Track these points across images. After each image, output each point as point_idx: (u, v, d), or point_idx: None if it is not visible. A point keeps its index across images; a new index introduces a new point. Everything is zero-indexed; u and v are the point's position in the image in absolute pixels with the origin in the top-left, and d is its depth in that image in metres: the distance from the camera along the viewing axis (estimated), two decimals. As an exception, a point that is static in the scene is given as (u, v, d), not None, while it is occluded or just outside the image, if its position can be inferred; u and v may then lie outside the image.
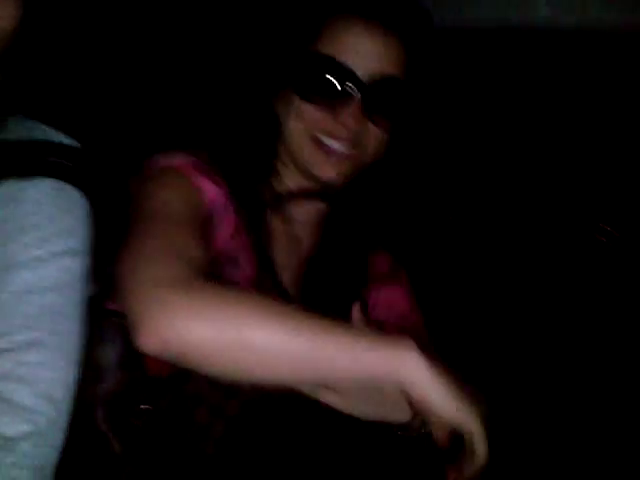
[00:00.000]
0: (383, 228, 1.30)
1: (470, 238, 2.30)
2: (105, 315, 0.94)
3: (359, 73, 1.11)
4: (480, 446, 0.88)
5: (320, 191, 1.21)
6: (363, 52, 1.11)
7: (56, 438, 0.81)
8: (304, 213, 1.24)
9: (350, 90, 1.11)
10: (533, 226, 2.33)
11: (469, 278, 2.27)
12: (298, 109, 1.14)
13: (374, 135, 1.16)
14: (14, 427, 0.77)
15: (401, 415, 0.94)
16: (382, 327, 1.24)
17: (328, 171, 1.15)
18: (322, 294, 1.22)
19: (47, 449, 0.80)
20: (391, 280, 1.32)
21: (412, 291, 1.33)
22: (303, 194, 1.22)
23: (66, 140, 0.93)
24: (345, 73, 1.11)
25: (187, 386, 0.99)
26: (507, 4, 1.49)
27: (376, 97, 1.13)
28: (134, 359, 0.94)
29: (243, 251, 1.14)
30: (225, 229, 1.13)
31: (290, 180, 1.22)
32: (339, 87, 1.11)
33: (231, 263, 1.12)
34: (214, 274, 1.01)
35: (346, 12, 1.12)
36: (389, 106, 1.15)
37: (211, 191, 1.11)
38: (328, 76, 1.11)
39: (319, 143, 1.14)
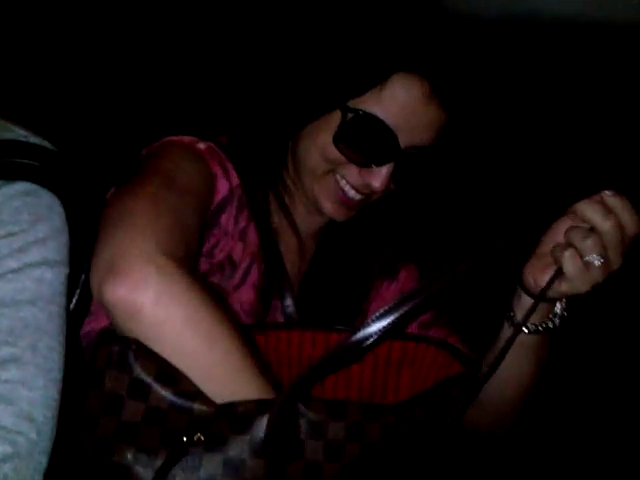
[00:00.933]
0: (385, 243, 1.26)
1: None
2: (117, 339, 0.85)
3: (401, 141, 1.05)
4: None
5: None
6: (414, 123, 1.05)
7: (38, 461, 0.76)
8: (310, 223, 1.20)
9: (385, 155, 1.06)
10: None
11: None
12: (325, 148, 1.07)
13: (389, 189, 1.11)
14: None
15: None
16: None
17: (336, 212, 1.12)
18: (317, 306, 1.17)
19: (29, 472, 0.75)
20: (395, 272, 1.28)
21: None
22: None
23: (38, 141, 0.87)
24: (388, 137, 1.04)
25: None
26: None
27: (407, 166, 1.08)
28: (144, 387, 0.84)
29: (248, 254, 1.10)
30: (232, 224, 1.08)
31: (297, 196, 1.17)
32: (376, 148, 1.06)
33: (225, 269, 1.08)
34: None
35: (413, 71, 1.04)
36: (414, 174, 1.10)
37: (224, 185, 1.06)
38: (369, 134, 1.05)
39: (335, 183, 1.09)
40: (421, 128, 1.05)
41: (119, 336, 0.84)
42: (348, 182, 1.09)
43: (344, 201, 1.11)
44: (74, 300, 0.87)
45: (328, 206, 1.11)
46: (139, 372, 0.82)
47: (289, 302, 1.13)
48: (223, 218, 1.07)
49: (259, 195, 1.13)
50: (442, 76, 1.04)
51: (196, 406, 0.82)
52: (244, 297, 1.09)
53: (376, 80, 1.03)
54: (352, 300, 1.21)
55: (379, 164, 1.07)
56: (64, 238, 0.84)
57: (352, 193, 1.10)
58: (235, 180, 1.09)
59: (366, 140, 1.05)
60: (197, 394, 0.83)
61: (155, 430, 0.81)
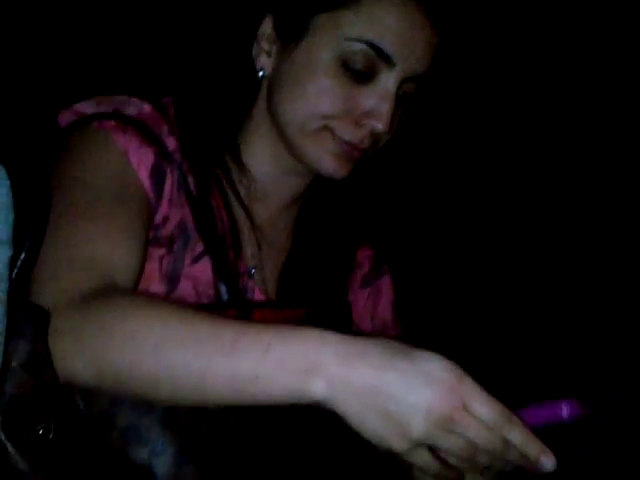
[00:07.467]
0: (368, 215, 1.15)
1: (462, 232, 2.17)
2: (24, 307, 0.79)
3: (401, 69, 0.94)
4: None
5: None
6: (411, 48, 0.94)
7: None
8: (285, 187, 1.07)
9: (384, 87, 0.95)
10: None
11: (459, 276, 2.15)
12: (312, 91, 0.95)
13: (393, 130, 1.00)
14: None
15: None
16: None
17: (338, 168, 0.98)
18: (301, 286, 1.07)
19: None
20: (373, 282, 1.17)
21: (395, 296, 1.19)
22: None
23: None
24: (386, 66, 0.94)
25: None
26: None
27: (404, 98, 0.98)
28: (40, 362, 0.77)
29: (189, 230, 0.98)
30: (175, 191, 0.97)
31: (268, 154, 1.04)
32: (374, 80, 0.95)
33: (174, 242, 0.97)
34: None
35: None
36: (410, 104, 1.00)
37: (145, 153, 0.95)
38: (364, 66, 0.94)
39: (333, 138, 0.97)
40: (418, 54, 0.95)
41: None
42: (345, 140, 0.96)
43: (348, 153, 0.97)
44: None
45: (328, 163, 0.98)
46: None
47: (262, 277, 1.04)
48: (167, 186, 0.96)
49: (208, 159, 1.01)
50: None
51: None
52: (199, 274, 0.97)
53: None
54: (338, 276, 1.12)
55: (373, 94, 0.95)
56: (10, 216, 0.77)
57: (354, 140, 0.97)
58: (172, 144, 0.98)
59: (361, 73, 0.94)
60: None
61: None
